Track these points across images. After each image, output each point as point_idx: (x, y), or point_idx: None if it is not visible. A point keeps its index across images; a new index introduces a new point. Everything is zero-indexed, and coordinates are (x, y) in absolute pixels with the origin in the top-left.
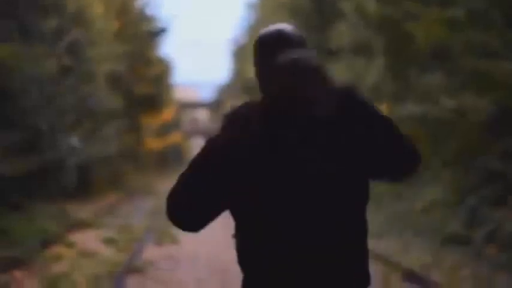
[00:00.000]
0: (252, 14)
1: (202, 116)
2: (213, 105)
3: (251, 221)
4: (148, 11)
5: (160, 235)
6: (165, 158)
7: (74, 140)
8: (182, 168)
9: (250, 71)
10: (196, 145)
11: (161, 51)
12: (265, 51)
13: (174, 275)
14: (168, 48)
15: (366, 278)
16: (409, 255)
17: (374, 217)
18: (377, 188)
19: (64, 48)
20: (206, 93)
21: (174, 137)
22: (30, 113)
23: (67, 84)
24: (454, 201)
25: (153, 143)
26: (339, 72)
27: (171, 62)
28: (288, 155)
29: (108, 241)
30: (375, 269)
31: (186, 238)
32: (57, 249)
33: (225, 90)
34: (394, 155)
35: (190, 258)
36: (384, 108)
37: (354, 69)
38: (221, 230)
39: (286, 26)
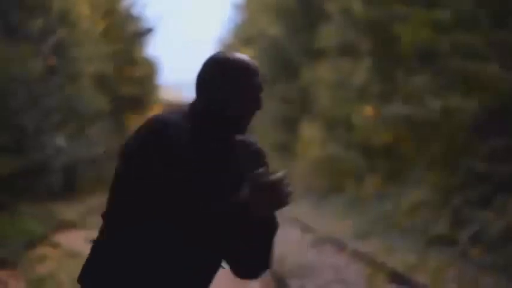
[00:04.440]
0: (238, 14)
1: None
2: None
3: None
4: (135, 11)
5: None
6: None
7: (60, 141)
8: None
9: None
10: None
11: (147, 51)
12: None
13: None
14: (154, 48)
15: None
16: (394, 256)
17: (359, 217)
18: (362, 189)
19: (50, 48)
20: (192, 94)
21: None
22: (16, 113)
23: (53, 85)
24: (439, 202)
25: None
26: (326, 74)
27: (158, 62)
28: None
29: None
30: (359, 269)
31: None
32: (43, 249)
33: None
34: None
35: None
36: (370, 109)
37: (340, 71)
38: None
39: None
